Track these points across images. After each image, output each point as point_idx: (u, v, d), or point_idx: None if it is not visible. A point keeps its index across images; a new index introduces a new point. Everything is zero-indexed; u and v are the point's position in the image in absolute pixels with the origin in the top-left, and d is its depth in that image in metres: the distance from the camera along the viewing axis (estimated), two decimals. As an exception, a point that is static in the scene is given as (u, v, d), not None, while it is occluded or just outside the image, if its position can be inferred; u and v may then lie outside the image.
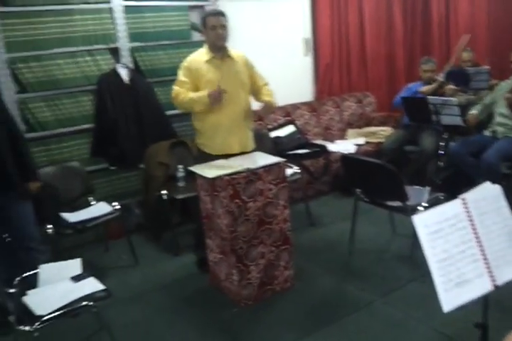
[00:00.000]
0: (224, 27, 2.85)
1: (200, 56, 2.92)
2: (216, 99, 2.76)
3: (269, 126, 4.35)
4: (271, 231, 2.73)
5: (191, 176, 2.96)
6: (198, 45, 3.01)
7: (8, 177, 2.55)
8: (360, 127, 4.96)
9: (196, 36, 3.99)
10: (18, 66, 3.28)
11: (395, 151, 4.26)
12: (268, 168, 2.68)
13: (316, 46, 4.92)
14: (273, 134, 4.17)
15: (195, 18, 4.01)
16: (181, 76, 2.92)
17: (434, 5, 5.03)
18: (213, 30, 2.83)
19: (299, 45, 4.86)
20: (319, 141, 4.51)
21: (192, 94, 2.84)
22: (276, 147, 4.01)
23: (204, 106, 2.81)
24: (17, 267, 2.58)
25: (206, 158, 2.90)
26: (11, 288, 2.29)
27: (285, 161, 2.82)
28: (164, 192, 3.42)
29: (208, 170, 2.67)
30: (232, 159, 2.84)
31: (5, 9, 3.19)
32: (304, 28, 4.84)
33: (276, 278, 2.82)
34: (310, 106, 4.77)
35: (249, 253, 2.68)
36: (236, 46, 3.05)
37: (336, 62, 4.99)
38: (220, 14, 2.88)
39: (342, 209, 3.92)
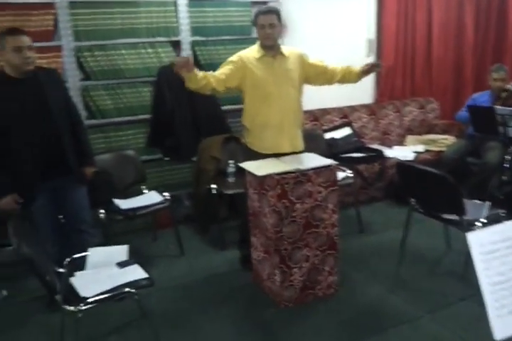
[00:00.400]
0: (273, 26, 2.76)
1: (251, 53, 2.87)
2: (180, 64, 2.54)
3: (325, 127, 4.27)
4: (317, 234, 2.67)
5: (241, 172, 2.95)
6: (254, 41, 3.00)
7: (67, 162, 2.64)
8: (420, 134, 4.77)
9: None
10: (83, 54, 3.39)
11: (456, 162, 4.06)
12: (319, 169, 2.61)
13: (380, 47, 4.77)
14: (328, 135, 4.09)
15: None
16: (224, 65, 2.82)
17: (511, 6, 4.73)
18: (262, 30, 2.77)
19: (361, 46, 4.73)
20: (376, 146, 4.38)
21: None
22: (330, 149, 3.93)
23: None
24: (68, 248, 2.68)
25: (254, 156, 2.86)
26: (61, 268, 2.38)
27: (338, 164, 2.74)
28: (214, 186, 3.44)
29: (258, 168, 2.64)
30: (282, 158, 2.79)
31: (75, -1, 3.31)
32: (368, 27, 4.71)
33: (320, 283, 2.75)
34: (369, 109, 4.64)
35: (293, 255, 2.63)
36: (296, 44, 3.01)
37: (399, 65, 4.81)
38: (272, 12, 2.79)
39: (394, 217, 3.79)
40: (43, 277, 2.04)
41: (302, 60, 2.92)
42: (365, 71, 2.93)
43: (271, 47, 2.83)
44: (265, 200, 2.61)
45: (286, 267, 2.63)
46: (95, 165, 2.86)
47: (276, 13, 2.81)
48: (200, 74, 2.66)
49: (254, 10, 3.92)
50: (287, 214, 2.57)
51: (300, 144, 2.99)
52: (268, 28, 2.75)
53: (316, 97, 2.85)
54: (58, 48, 3.30)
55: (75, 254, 2.47)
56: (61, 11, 3.24)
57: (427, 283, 2.90)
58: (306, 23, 4.30)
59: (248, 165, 2.72)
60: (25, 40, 2.44)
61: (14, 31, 2.47)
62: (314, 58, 2.99)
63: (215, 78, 2.72)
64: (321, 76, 2.97)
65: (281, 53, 2.86)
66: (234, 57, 2.86)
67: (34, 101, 2.51)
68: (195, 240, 3.63)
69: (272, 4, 3.88)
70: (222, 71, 2.79)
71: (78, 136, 2.75)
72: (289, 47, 2.96)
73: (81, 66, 3.43)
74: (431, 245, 3.36)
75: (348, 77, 2.95)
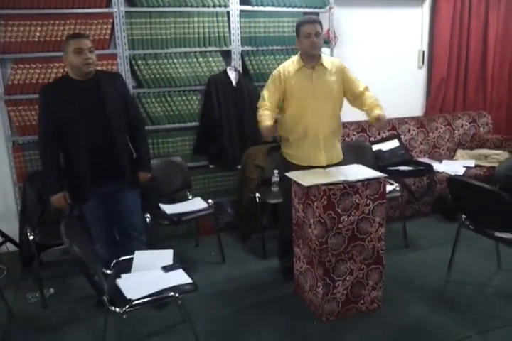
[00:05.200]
0: (319, 34, 2.76)
1: (291, 65, 2.87)
2: (266, 135, 2.77)
3: (372, 139, 4.21)
4: (363, 248, 2.62)
5: (282, 182, 2.94)
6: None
7: (120, 166, 2.69)
8: (471, 148, 4.62)
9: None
10: (137, 63, 3.50)
11: (509, 178, 3.89)
12: (367, 182, 2.57)
13: (432, 59, 4.67)
14: (375, 147, 4.03)
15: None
16: (269, 83, 2.91)
17: None
18: (308, 39, 2.75)
19: (413, 57, 4.65)
20: (425, 159, 4.27)
21: (263, 113, 2.81)
22: (377, 161, 3.86)
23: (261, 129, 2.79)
24: (116, 250, 2.74)
25: (290, 168, 2.86)
26: (108, 269, 2.44)
27: (385, 177, 2.69)
28: (257, 195, 3.45)
29: (304, 178, 2.62)
30: (329, 169, 2.77)
31: (131, 9, 3.42)
32: (420, 39, 4.63)
33: (363, 298, 2.69)
34: (418, 122, 4.53)
35: (337, 268, 2.59)
36: (345, 55, 2.99)
37: (451, 77, 4.69)
38: (316, 22, 2.79)
39: (442, 233, 3.68)
40: (91, 277, 2.09)
41: (342, 73, 2.88)
42: (377, 124, 2.80)
43: (312, 58, 2.81)
44: (310, 211, 2.59)
45: (329, 279, 2.59)
46: (151, 171, 2.90)
47: (319, 23, 2.81)
48: (271, 120, 2.79)
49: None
50: (333, 225, 2.53)
51: (338, 156, 2.96)
52: (315, 37, 2.75)
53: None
54: (114, 56, 3.42)
55: (122, 257, 2.52)
56: (118, 21, 3.37)
57: (476, 304, 2.78)
58: (356, 34, 4.27)
59: (294, 175, 2.71)
60: (86, 42, 2.54)
61: (76, 35, 2.65)
62: (355, 75, 2.94)
63: (274, 110, 2.86)
64: (351, 98, 2.93)
65: (321, 64, 2.84)
66: (275, 72, 2.91)
67: (92, 104, 2.58)
68: (237, 248, 3.64)
69: (323, 14, 3.90)
70: (271, 97, 2.86)
71: (137, 140, 2.81)
72: (331, 57, 2.94)
73: (134, 74, 3.53)
74: (480, 264, 3.23)
75: (368, 114, 2.86)
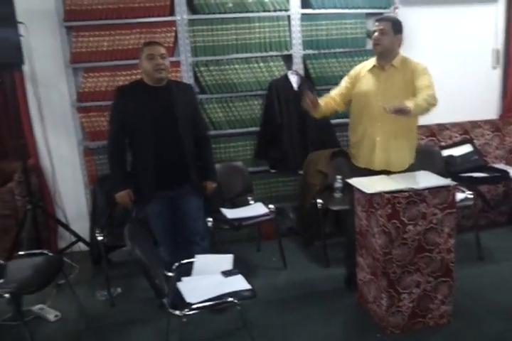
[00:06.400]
0: (383, 32, 2.66)
1: (367, 64, 2.84)
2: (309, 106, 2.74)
3: (443, 144, 3.99)
4: (430, 259, 2.46)
5: (349, 188, 2.85)
6: (371, 53, 2.89)
7: (186, 172, 2.74)
8: (552, 153, 4.25)
9: (370, 44, 3.82)
10: (200, 69, 3.55)
11: None
12: (435, 190, 2.42)
13: (508, 58, 4.36)
14: (446, 153, 3.82)
15: (371, 26, 3.86)
16: (343, 79, 2.93)
17: None
18: (373, 36, 2.72)
19: (486, 56, 4.37)
20: (500, 165, 3.98)
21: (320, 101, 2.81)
22: (447, 167, 3.66)
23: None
24: (178, 254, 2.77)
25: (352, 168, 2.83)
26: (170, 272, 2.47)
27: (456, 184, 2.52)
28: (319, 201, 3.38)
29: (367, 185, 2.52)
30: (395, 176, 2.65)
31: (194, 17, 3.48)
32: (495, 37, 4.34)
33: (431, 312, 2.54)
34: (493, 125, 4.24)
35: (402, 280, 2.46)
36: (413, 55, 2.84)
37: (530, 77, 4.36)
38: (383, 20, 2.72)
39: (520, 245, 3.41)
40: (152, 280, 2.12)
41: (413, 74, 2.72)
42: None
43: (381, 57, 2.74)
44: (374, 219, 2.48)
45: (394, 291, 2.47)
46: (217, 180, 2.94)
47: (390, 21, 2.72)
48: (322, 103, 2.79)
49: (369, 22, 3.86)
50: (398, 235, 2.41)
51: (401, 163, 2.79)
52: (378, 34, 2.68)
53: (433, 111, 2.64)
54: (177, 64, 3.50)
55: (183, 260, 2.55)
56: (181, 28, 3.45)
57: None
58: (424, 34, 4.08)
59: (356, 182, 2.62)
60: (159, 49, 2.64)
61: (150, 42, 2.76)
62: (427, 79, 2.71)
63: (334, 100, 2.87)
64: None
65: (392, 65, 2.73)
66: (351, 71, 2.92)
67: (162, 110, 2.67)
68: (298, 254, 3.58)
69: (388, 14, 3.76)
70: (339, 89, 2.89)
71: (203, 150, 2.86)
72: (408, 58, 2.81)
73: (197, 80, 3.59)
74: None
75: None
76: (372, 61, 2.82)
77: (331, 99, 2.87)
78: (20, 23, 3.05)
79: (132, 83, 2.82)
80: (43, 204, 3.58)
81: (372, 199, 2.46)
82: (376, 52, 2.74)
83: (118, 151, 2.74)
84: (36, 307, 2.90)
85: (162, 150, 2.67)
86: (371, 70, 2.78)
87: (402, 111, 2.40)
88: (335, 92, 2.91)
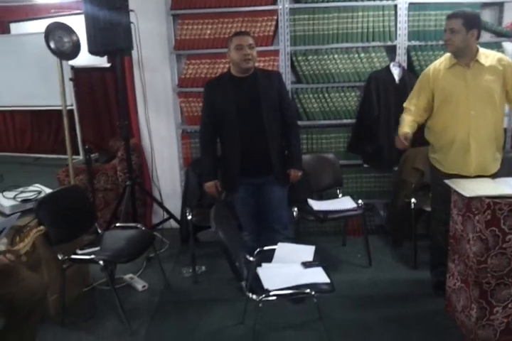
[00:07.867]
0: (452, 31, 2.45)
1: (443, 62, 2.60)
2: (398, 144, 2.70)
3: None
4: (532, 272, 2.23)
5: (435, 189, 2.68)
6: (483, 46, 2.63)
7: (270, 161, 2.75)
8: None
9: (485, 37, 3.48)
10: (298, 58, 3.52)
11: None
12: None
13: None
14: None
15: (487, 16, 3.56)
16: (417, 83, 2.72)
17: None
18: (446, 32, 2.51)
19: None
20: None
21: (404, 118, 2.73)
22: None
23: None
24: (261, 240, 2.81)
25: (437, 174, 2.63)
26: (251, 256, 2.50)
27: None
28: (413, 200, 3.22)
29: (467, 187, 2.34)
30: (500, 180, 2.43)
31: (296, 6, 3.45)
32: None
33: (530, 329, 2.30)
34: None
35: (496, 292, 2.25)
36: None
37: None
38: (453, 17, 2.48)
39: None
40: (232, 263, 2.16)
41: (505, 70, 2.48)
42: None
43: (458, 55, 2.51)
44: (470, 225, 2.29)
45: (486, 303, 2.27)
46: (302, 168, 2.92)
47: (461, 17, 2.46)
48: (411, 130, 2.67)
49: (485, 12, 3.55)
50: (495, 244, 2.21)
51: (492, 168, 2.59)
52: (448, 33, 2.48)
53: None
54: (276, 52, 3.50)
55: (265, 246, 2.55)
56: (282, 17, 3.44)
57: None
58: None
59: (455, 183, 2.44)
60: (247, 39, 2.65)
61: (239, 32, 2.77)
62: None
63: (421, 117, 2.72)
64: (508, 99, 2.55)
65: (477, 61, 2.49)
66: (425, 71, 2.70)
67: (248, 100, 2.70)
68: (385, 253, 3.44)
69: (508, 4, 3.44)
70: (420, 103, 2.69)
71: (289, 138, 2.85)
72: (492, 52, 2.56)
73: (294, 69, 3.57)
74: None
75: None
76: (446, 58, 2.60)
77: (416, 118, 2.70)
78: (131, 10, 3.25)
79: (219, 76, 2.86)
80: (141, 181, 3.83)
81: (471, 204, 2.28)
82: (449, 52, 2.54)
83: (209, 142, 2.83)
84: (127, 276, 3.11)
85: (247, 140, 2.71)
86: (452, 69, 2.55)
87: None
88: (416, 108, 2.70)
